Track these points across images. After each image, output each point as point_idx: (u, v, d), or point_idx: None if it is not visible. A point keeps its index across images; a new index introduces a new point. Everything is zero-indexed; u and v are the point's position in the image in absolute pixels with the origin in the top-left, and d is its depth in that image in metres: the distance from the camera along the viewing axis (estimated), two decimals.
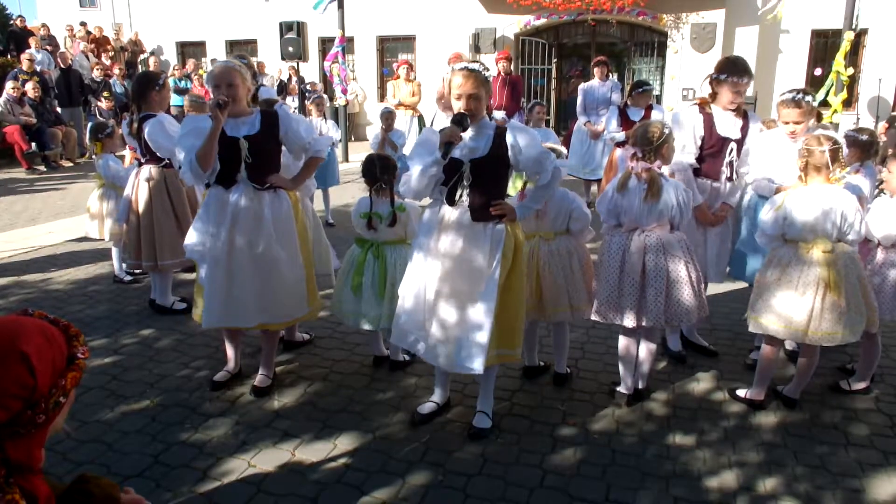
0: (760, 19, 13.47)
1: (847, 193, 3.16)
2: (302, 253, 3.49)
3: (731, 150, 3.71)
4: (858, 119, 12.59)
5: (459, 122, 2.78)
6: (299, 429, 3.14)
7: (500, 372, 3.34)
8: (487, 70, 2.90)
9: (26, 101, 11.11)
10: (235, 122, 3.26)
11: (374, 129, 15.51)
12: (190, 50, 17.94)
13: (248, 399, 3.43)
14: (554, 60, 15.40)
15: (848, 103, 11.91)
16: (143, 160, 4.56)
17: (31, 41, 12.82)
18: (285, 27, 11.88)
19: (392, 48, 16.70)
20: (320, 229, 4.26)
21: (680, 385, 3.62)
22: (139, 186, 4.53)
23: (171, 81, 12.96)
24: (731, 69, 3.62)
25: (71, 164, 11.69)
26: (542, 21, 14.59)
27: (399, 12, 15.68)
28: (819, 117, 5.51)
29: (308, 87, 14.35)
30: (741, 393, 3.43)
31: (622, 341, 3.38)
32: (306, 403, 3.40)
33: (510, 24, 14.77)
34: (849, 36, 9.95)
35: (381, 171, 3.54)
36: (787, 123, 3.63)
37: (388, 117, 7.39)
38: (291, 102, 13.31)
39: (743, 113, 3.77)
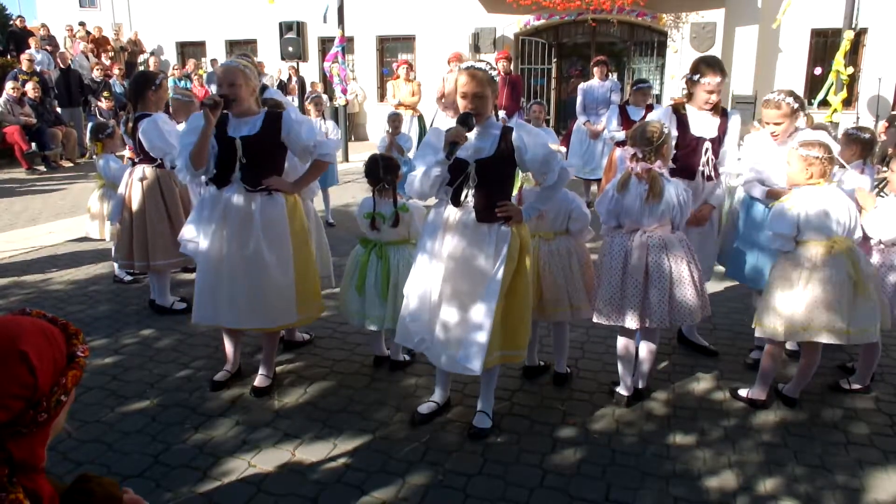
0: (760, 19, 13.46)
1: (843, 194, 3.21)
2: (299, 257, 3.40)
3: (707, 149, 3.71)
4: (858, 118, 12.59)
5: (465, 121, 2.76)
6: (299, 429, 3.14)
7: (500, 372, 3.34)
8: (493, 69, 2.89)
9: (26, 102, 11.10)
10: (238, 122, 3.25)
11: (373, 129, 15.64)
12: (190, 50, 17.93)
13: (248, 399, 3.43)
14: (554, 60, 15.39)
15: (848, 102, 11.89)
16: (136, 160, 4.57)
17: (31, 41, 12.81)
18: (285, 27, 11.89)
19: (392, 48, 16.69)
20: (321, 231, 4.26)
21: (680, 385, 3.62)
22: (132, 186, 4.53)
23: (170, 81, 13.04)
24: (704, 69, 3.63)
25: (71, 165, 11.69)
26: (542, 21, 14.59)
27: (399, 12, 15.66)
28: (811, 120, 5.52)
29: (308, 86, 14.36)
30: (743, 392, 3.43)
31: (621, 341, 3.38)
32: (306, 403, 3.40)
33: (510, 24, 14.76)
34: (849, 35, 9.93)
35: (384, 171, 3.54)
36: (768, 124, 3.66)
37: (394, 120, 7.33)
38: (291, 102, 13.29)
39: (721, 111, 3.77)
